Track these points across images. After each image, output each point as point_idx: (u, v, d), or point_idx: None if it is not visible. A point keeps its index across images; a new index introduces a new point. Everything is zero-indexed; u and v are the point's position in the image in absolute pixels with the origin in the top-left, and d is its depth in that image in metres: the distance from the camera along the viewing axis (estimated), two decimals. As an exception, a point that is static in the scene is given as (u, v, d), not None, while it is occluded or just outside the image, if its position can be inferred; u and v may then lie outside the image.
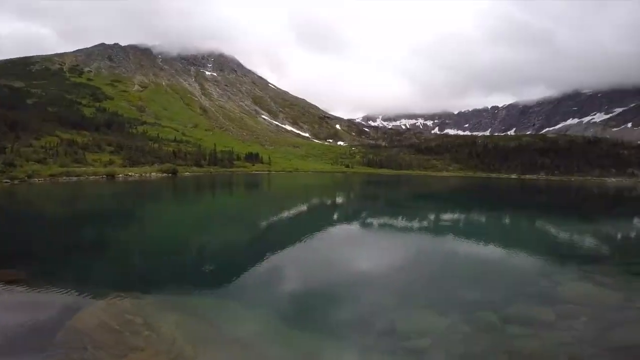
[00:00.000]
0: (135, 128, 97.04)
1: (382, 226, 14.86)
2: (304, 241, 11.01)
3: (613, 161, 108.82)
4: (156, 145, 76.89)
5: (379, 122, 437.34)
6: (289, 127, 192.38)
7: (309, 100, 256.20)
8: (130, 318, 4.89)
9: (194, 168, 67.06)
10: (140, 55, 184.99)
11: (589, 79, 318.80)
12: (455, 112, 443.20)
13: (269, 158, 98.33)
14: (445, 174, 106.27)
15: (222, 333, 4.94)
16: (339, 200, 27.16)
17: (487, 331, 4.67)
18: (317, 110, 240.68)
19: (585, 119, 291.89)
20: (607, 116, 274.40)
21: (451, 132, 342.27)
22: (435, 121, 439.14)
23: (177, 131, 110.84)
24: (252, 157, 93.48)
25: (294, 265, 8.61)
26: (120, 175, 44.91)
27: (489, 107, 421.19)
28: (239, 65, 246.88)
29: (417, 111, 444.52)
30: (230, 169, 76.55)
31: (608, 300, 5.63)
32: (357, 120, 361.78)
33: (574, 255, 9.65)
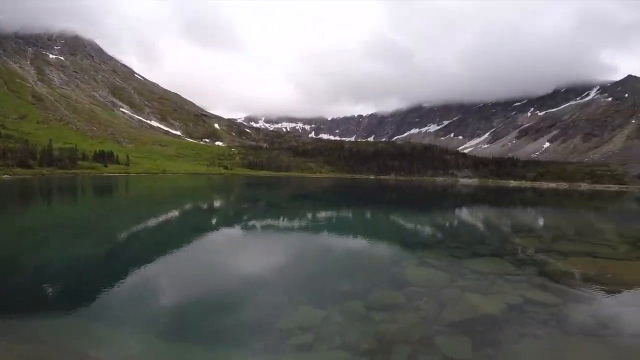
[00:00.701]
0: None
1: (262, 228, 14.89)
2: (178, 249, 10.04)
3: (441, 164, 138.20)
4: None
5: (261, 124, 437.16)
6: (155, 124, 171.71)
7: (184, 95, 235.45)
8: None
9: (18, 169, 51.94)
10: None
11: (429, 95, 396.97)
12: (329, 118, 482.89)
13: (128, 158, 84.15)
14: (319, 175, 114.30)
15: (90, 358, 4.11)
16: (217, 203, 25.81)
17: (357, 319, 5.22)
18: (193, 107, 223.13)
19: (424, 129, 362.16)
20: (439, 127, 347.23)
21: (325, 136, 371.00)
22: (312, 126, 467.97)
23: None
24: (105, 157, 77.61)
25: (167, 276, 7.75)
26: None
27: (356, 115, 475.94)
28: (99, 50, 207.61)
29: (298, 115, 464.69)
30: (73, 171, 61.96)
31: (439, 281, 7.07)
32: (239, 121, 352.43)
33: (415, 242, 11.79)
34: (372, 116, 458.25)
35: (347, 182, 73.99)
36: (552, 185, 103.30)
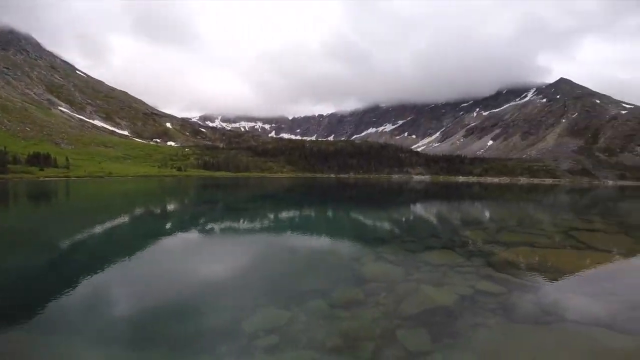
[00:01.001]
0: None
1: (220, 231, 14.43)
2: (130, 256, 9.38)
3: (396, 162, 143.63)
4: None
5: (217, 123, 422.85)
6: (99, 123, 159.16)
7: (134, 93, 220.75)
8: None
9: None
10: None
11: (385, 95, 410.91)
12: (290, 118, 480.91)
13: (68, 160, 77.05)
14: (280, 175, 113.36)
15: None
16: (171, 207, 24.53)
17: (321, 317, 5.23)
18: (142, 105, 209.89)
19: (380, 129, 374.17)
20: (394, 127, 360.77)
21: (285, 136, 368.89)
22: (273, 125, 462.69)
23: None
24: (40, 160, 70.23)
25: (120, 284, 7.20)
26: None
27: (316, 115, 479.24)
28: (36, 45, 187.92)
29: (257, 114, 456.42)
30: (2, 176, 55.12)
31: (396, 275, 7.32)
32: (194, 120, 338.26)
33: (374, 238, 12.12)
34: (332, 116, 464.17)
35: (309, 181, 74.18)
36: (496, 180, 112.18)
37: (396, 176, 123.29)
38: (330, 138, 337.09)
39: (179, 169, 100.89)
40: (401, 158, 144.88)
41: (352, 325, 4.94)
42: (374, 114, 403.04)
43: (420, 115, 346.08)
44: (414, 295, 6.01)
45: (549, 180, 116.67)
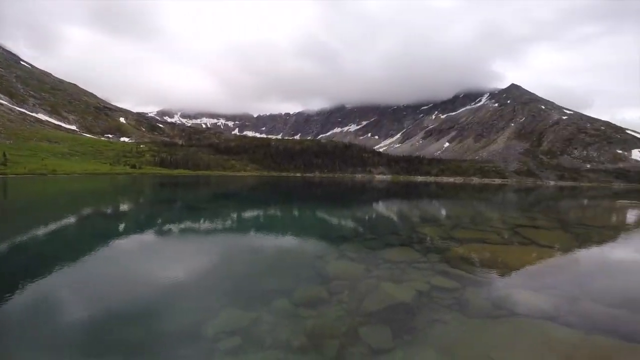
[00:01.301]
0: None
1: (180, 232, 13.82)
2: (81, 260, 8.68)
3: (359, 162, 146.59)
4: None
5: (177, 119, 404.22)
6: (44, 117, 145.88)
7: (85, 86, 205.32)
8: None
9: None
10: None
11: (351, 96, 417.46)
12: (255, 115, 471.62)
13: (5, 156, 70.41)
14: (243, 173, 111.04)
15: None
16: (124, 207, 23.09)
17: (286, 317, 5.19)
18: (94, 98, 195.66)
19: (345, 129, 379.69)
20: (358, 127, 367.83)
21: (250, 134, 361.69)
22: (237, 122, 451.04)
23: None
24: (-26, 155, 64.29)
25: (73, 290, 6.61)
26: None
27: (283, 113, 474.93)
28: None
29: (220, 111, 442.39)
30: None
31: (358, 272, 7.47)
32: (151, 115, 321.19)
33: (337, 236, 12.26)
34: (299, 114, 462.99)
35: (273, 180, 73.36)
36: (451, 179, 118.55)
37: (359, 175, 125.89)
38: (297, 137, 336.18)
39: (133, 167, 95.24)
40: (364, 158, 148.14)
41: (316, 324, 4.98)
42: (339, 114, 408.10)
43: (383, 116, 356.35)
44: (375, 293, 6.18)
45: (498, 180, 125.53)
